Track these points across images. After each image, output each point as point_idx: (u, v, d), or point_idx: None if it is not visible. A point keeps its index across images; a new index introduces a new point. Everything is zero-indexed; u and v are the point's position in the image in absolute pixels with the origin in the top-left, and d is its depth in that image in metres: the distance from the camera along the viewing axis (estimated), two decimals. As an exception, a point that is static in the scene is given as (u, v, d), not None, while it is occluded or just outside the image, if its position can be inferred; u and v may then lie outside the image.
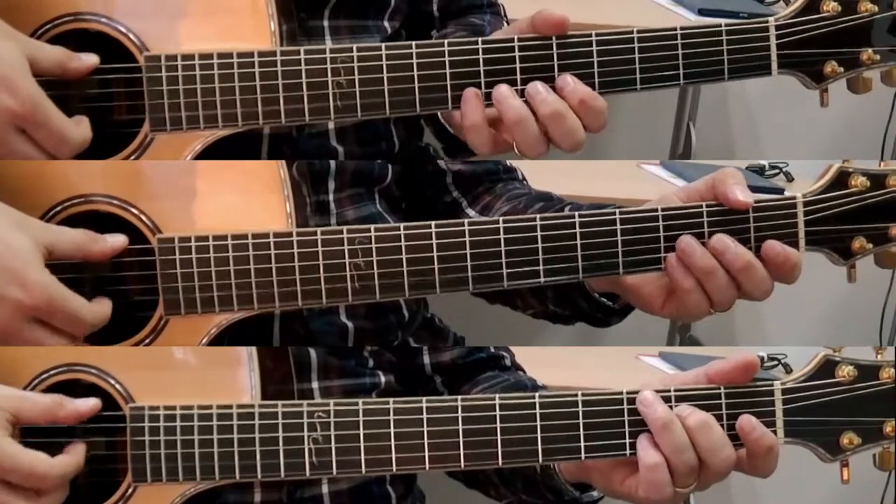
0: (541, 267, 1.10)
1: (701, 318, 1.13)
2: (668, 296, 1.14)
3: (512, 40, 1.11)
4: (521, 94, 1.11)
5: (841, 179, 1.12)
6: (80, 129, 1.08)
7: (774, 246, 1.10)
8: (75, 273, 1.08)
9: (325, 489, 1.16)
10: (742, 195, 1.10)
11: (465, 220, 1.10)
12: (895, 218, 1.12)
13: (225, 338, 1.10)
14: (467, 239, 1.09)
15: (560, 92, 1.11)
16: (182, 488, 1.08)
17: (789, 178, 2.42)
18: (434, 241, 1.09)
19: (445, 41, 1.11)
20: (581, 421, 1.08)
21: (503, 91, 1.11)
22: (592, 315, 1.23)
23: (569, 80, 1.11)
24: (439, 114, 1.24)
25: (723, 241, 1.10)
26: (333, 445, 1.07)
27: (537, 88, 1.11)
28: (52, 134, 1.06)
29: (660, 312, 1.15)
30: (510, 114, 1.10)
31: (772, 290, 1.11)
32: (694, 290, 1.10)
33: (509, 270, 1.10)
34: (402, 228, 1.09)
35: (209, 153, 1.11)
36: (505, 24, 1.33)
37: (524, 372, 1.32)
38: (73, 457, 1.06)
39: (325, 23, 1.20)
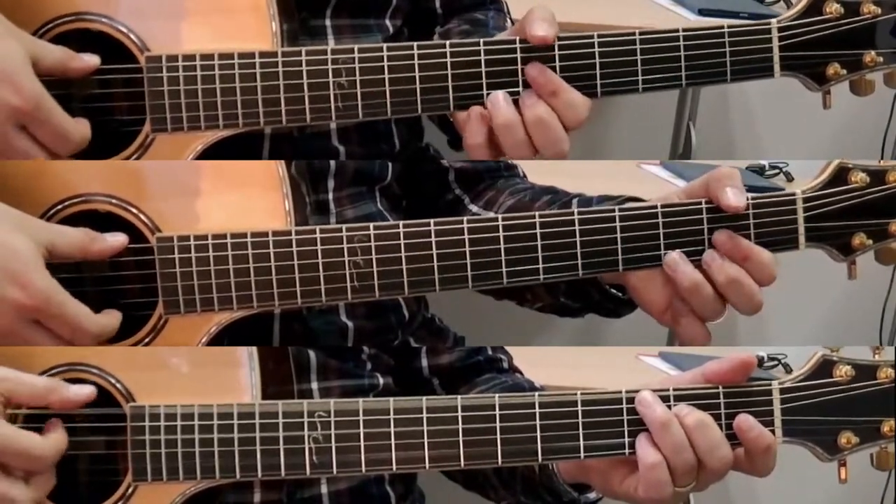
0: (540, 265, 1.10)
1: (701, 344, 1.13)
2: (668, 306, 1.13)
3: (514, 41, 1.11)
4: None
5: (840, 175, 1.12)
6: (80, 127, 1.08)
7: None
8: (75, 272, 1.08)
9: (324, 489, 1.16)
10: (734, 198, 1.10)
11: (465, 218, 1.10)
12: (895, 214, 1.13)
13: (225, 336, 1.10)
14: (466, 237, 1.09)
15: (536, 87, 1.10)
16: (182, 487, 1.08)
17: (789, 178, 2.41)
18: (433, 239, 1.09)
19: (447, 42, 1.11)
20: (580, 420, 1.08)
21: (497, 97, 1.11)
22: (603, 305, 1.23)
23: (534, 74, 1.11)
24: None
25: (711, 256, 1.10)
26: (333, 445, 1.07)
27: (530, 95, 1.11)
28: (54, 131, 1.06)
29: (660, 320, 1.15)
30: (500, 118, 1.11)
31: (761, 306, 1.11)
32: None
33: (508, 268, 1.10)
34: (401, 226, 1.09)
35: (210, 153, 1.11)
36: (508, 20, 1.33)
37: (522, 374, 1.32)
38: (60, 434, 1.06)
39: (327, 22, 1.20)
